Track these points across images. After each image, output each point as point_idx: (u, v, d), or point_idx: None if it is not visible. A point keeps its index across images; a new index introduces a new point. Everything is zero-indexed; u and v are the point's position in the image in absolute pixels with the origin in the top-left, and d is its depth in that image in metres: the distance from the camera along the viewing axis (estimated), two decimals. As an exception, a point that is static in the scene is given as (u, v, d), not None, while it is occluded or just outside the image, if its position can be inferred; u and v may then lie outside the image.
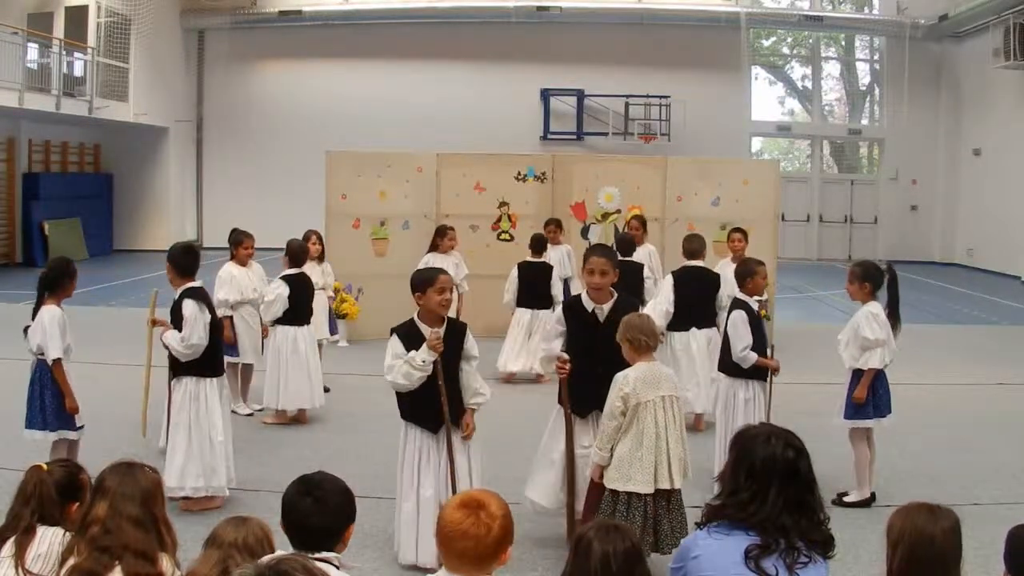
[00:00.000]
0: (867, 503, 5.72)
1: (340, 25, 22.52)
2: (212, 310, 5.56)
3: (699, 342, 7.57)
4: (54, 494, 3.08)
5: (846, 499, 5.77)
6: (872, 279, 5.75)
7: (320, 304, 8.76)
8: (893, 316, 5.72)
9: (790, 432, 2.65)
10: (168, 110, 22.02)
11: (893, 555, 2.55)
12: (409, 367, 4.53)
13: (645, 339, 4.47)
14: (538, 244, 9.41)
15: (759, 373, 5.75)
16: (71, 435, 5.43)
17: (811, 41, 24.83)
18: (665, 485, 4.40)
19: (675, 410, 4.48)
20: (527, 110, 22.54)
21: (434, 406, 4.60)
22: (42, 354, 5.31)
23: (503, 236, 11.75)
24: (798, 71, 25.78)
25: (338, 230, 11.16)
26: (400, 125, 20.75)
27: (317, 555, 2.53)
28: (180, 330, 5.37)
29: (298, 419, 7.54)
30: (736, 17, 22.04)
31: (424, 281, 4.63)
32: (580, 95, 22.45)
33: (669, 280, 7.57)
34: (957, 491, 5.98)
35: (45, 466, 3.15)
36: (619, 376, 4.45)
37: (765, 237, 11.28)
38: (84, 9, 19.24)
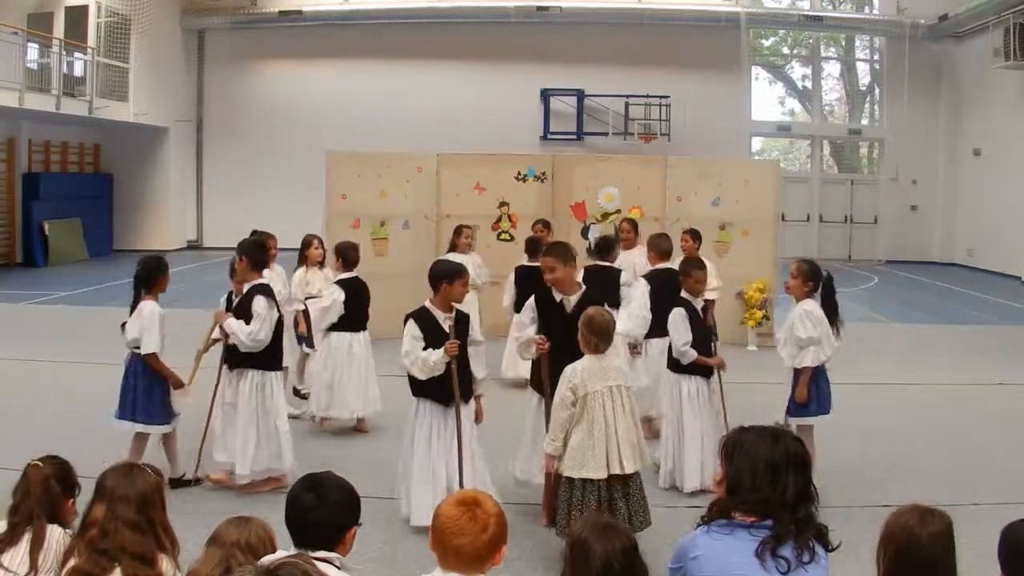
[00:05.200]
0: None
1: (340, 25, 22.52)
2: (279, 308, 5.81)
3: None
4: (48, 491, 3.07)
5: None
6: (815, 279, 5.88)
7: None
8: (833, 318, 5.82)
9: (783, 428, 2.73)
10: (168, 110, 22.02)
11: (883, 556, 2.57)
12: (424, 364, 5.02)
13: (596, 341, 4.70)
14: (534, 246, 9.18)
15: (701, 369, 5.98)
16: (163, 429, 5.67)
17: (811, 41, 24.83)
18: (617, 470, 4.59)
19: (623, 398, 4.69)
20: (527, 110, 22.54)
21: (445, 386, 5.10)
22: (137, 347, 5.54)
23: (503, 236, 11.76)
24: (798, 71, 25.79)
25: (338, 230, 11.15)
26: (400, 125, 20.75)
27: (317, 554, 2.52)
28: (247, 323, 5.58)
29: (358, 428, 7.29)
30: (736, 17, 22.04)
31: (455, 272, 5.27)
32: (580, 95, 22.46)
33: (644, 285, 7.07)
34: (957, 491, 5.99)
35: (40, 463, 3.15)
36: (568, 368, 4.71)
37: (765, 237, 11.29)
38: (84, 9, 19.24)
